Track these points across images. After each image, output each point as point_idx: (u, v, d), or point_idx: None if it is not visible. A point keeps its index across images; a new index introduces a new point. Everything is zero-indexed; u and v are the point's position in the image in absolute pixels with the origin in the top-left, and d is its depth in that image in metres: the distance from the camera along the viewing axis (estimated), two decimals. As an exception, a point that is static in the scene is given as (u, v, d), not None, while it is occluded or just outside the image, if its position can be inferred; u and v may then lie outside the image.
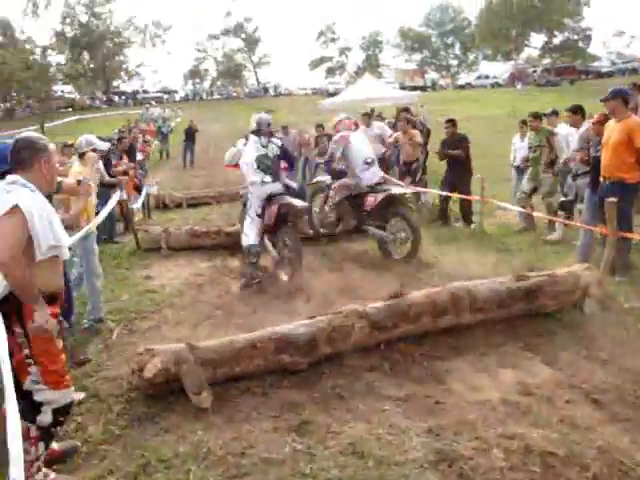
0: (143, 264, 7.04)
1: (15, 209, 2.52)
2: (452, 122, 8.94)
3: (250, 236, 6.10)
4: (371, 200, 6.79)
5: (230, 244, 7.55)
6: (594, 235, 6.06)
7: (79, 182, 5.11)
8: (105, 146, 6.24)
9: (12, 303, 2.55)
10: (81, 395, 3.55)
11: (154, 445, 3.03)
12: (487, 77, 50.19)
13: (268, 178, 6.05)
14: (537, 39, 55.12)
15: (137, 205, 10.36)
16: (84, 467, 2.88)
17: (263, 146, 6.12)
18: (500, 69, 55.21)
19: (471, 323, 4.55)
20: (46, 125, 25.98)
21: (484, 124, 20.38)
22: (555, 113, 8.62)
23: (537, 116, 7.96)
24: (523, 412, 3.32)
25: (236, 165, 6.85)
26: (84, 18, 52.19)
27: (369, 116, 11.03)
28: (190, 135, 18.60)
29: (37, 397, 2.63)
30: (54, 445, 2.95)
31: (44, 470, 2.69)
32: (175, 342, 4.35)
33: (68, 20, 51.19)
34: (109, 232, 8.24)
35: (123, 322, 4.94)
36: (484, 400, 3.48)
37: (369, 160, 6.98)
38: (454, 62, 66.55)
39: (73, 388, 2.74)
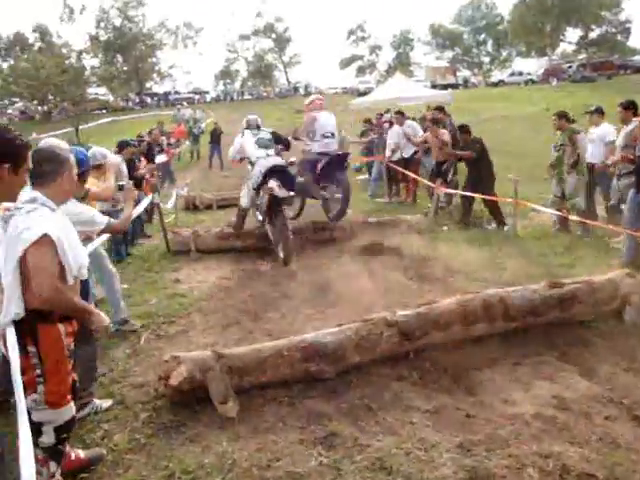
0: (173, 267, 7.07)
1: (45, 238, 2.47)
2: (464, 128, 8.80)
3: (244, 200, 7.51)
4: (318, 164, 8.02)
5: (259, 246, 7.57)
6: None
7: (121, 187, 5.17)
8: (115, 159, 6.41)
9: (27, 324, 2.52)
10: (108, 403, 3.56)
11: (179, 455, 3.00)
12: (520, 74, 49.12)
13: (271, 152, 7.15)
14: (572, 34, 53.81)
15: (169, 206, 10.46)
16: (109, 476, 2.87)
17: (255, 134, 7.43)
18: (534, 65, 54.14)
19: (504, 331, 4.43)
20: (80, 127, 26.51)
21: (517, 123, 19.95)
22: (599, 111, 7.95)
23: (562, 115, 7.70)
24: (559, 428, 3.18)
25: (241, 160, 7.75)
26: (118, 22, 53.31)
27: (402, 115, 10.91)
28: (215, 137, 18.67)
29: (35, 416, 2.56)
30: (80, 453, 2.96)
31: None
32: (202, 348, 4.36)
33: (102, 24, 52.36)
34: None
35: (151, 327, 4.94)
36: (517, 414, 3.35)
37: (328, 134, 8.20)
38: (486, 59, 65.47)
39: (72, 404, 2.69)
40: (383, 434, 3.17)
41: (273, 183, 6.66)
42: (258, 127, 7.58)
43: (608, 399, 3.49)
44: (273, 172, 6.79)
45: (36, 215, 2.52)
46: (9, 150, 2.23)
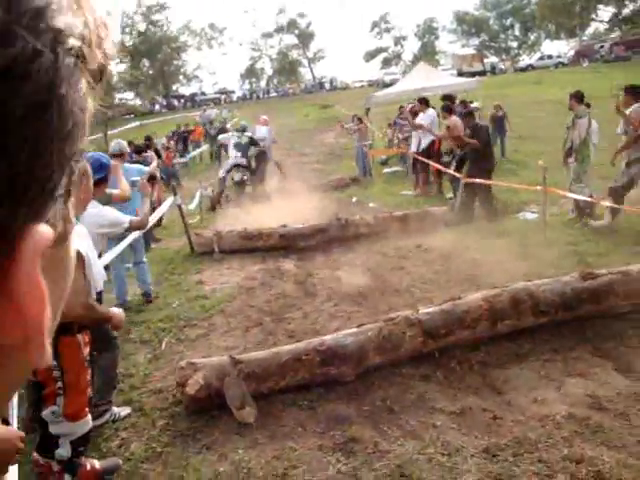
0: (196, 269, 7.06)
1: (77, 256, 2.45)
2: (470, 114, 8.80)
3: (220, 172, 11.58)
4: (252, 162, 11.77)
5: (283, 245, 7.50)
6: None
7: (134, 183, 5.15)
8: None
9: None
10: (127, 411, 3.53)
11: (195, 464, 2.95)
12: (550, 57, 47.72)
13: (239, 155, 11.11)
14: (604, 12, 51.98)
15: (192, 206, 10.48)
16: (125, 487, 2.83)
17: (239, 137, 11.29)
18: (564, 47, 52.64)
19: (534, 326, 4.24)
20: (109, 132, 26.91)
21: (547, 107, 19.34)
22: (628, 91, 7.24)
23: (573, 95, 7.41)
24: (593, 430, 3.00)
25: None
26: (142, 27, 54.00)
27: (426, 103, 10.69)
28: None
29: (53, 429, 2.56)
30: (95, 463, 2.92)
31: None
32: (223, 351, 4.32)
33: (127, 30, 53.14)
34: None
35: (172, 331, 4.92)
36: (548, 415, 3.18)
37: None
38: (514, 44, 63.95)
39: (90, 417, 2.67)
40: (405, 438, 3.06)
41: (234, 172, 11.42)
42: (243, 130, 11.66)
43: (646, 397, 3.29)
44: (235, 165, 11.25)
45: None
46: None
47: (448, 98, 10.71)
